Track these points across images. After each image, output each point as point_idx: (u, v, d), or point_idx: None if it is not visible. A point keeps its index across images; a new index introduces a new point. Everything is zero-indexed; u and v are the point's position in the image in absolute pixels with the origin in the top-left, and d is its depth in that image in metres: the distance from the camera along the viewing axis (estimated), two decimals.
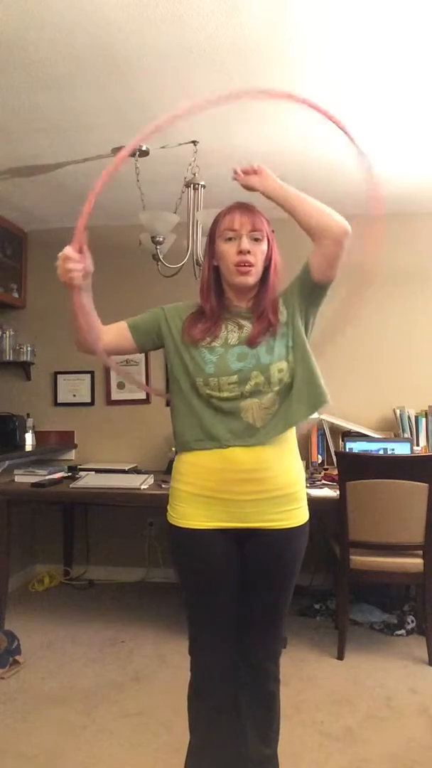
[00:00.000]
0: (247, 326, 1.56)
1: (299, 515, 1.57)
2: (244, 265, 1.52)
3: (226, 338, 1.55)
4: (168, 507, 1.62)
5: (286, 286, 1.61)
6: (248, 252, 1.51)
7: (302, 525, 1.58)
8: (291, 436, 1.59)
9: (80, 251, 1.38)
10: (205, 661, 1.60)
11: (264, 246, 1.55)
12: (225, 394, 1.50)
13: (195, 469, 1.55)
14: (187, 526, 1.55)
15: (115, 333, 1.61)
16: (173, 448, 4.09)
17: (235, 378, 1.50)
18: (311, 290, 1.56)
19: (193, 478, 1.55)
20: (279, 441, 1.54)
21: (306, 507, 1.61)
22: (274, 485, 1.53)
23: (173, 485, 1.61)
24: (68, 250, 1.37)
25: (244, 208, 1.56)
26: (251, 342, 1.53)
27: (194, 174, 2.84)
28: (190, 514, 1.55)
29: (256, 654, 1.61)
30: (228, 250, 1.53)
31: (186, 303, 1.66)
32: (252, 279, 1.54)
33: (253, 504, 1.52)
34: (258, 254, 1.53)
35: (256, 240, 1.53)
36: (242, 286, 1.56)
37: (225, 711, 1.61)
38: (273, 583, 1.58)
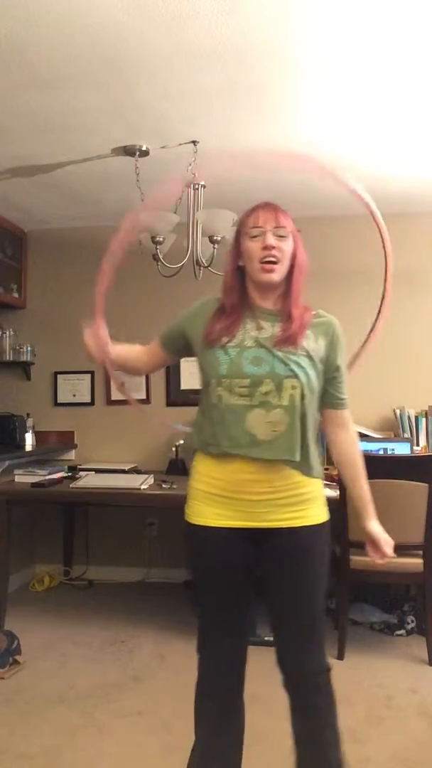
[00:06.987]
0: (268, 328, 1.54)
1: (314, 515, 1.56)
2: (269, 262, 1.51)
3: (242, 339, 1.53)
4: (185, 505, 1.61)
5: (328, 340, 1.59)
6: (273, 247, 1.51)
7: (317, 525, 1.56)
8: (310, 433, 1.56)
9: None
10: (213, 660, 1.59)
11: (289, 243, 1.54)
12: (234, 399, 1.49)
13: (209, 468, 1.55)
14: (200, 524, 1.55)
15: (152, 354, 1.72)
16: (173, 448, 4.09)
17: (247, 382, 1.48)
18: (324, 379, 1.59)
19: (208, 477, 1.55)
20: None
21: (323, 507, 1.59)
22: (284, 486, 1.51)
23: (190, 483, 1.61)
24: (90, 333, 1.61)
25: (269, 205, 1.55)
26: (276, 344, 1.51)
27: (194, 174, 2.84)
28: (205, 512, 1.55)
29: (296, 666, 1.57)
30: (253, 247, 1.53)
31: (209, 301, 1.64)
32: (277, 276, 1.53)
33: (266, 504, 1.51)
34: (284, 251, 1.53)
35: (281, 237, 1.52)
36: (267, 284, 1.55)
37: (231, 713, 1.59)
38: (291, 584, 1.55)
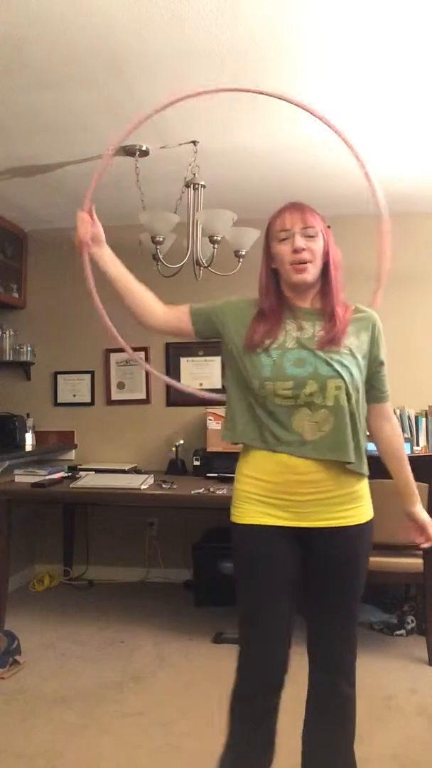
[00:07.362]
0: (309, 328, 1.54)
1: (362, 513, 1.56)
2: (300, 263, 1.50)
3: (284, 340, 1.52)
4: (231, 506, 1.60)
5: (370, 335, 1.58)
6: (303, 249, 1.50)
7: (364, 523, 1.56)
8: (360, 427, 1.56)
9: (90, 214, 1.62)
10: (255, 663, 1.56)
11: (319, 242, 1.53)
12: (278, 401, 1.49)
13: (255, 470, 1.55)
14: (247, 523, 1.54)
15: (175, 314, 1.66)
16: (173, 448, 4.07)
17: (290, 384, 1.48)
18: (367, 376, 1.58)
19: (254, 480, 1.54)
20: None
21: (370, 504, 1.59)
22: (333, 485, 1.51)
23: (235, 486, 1.60)
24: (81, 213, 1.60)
25: (295, 206, 1.54)
26: (320, 345, 1.50)
27: (194, 174, 2.84)
28: (252, 512, 1.54)
29: (330, 662, 1.59)
30: (283, 250, 1.52)
31: (245, 301, 1.63)
32: (310, 276, 1.52)
33: (315, 504, 1.50)
34: (314, 251, 1.52)
35: (310, 237, 1.51)
36: (301, 285, 1.54)
37: (267, 717, 1.58)
38: (338, 582, 1.55)
